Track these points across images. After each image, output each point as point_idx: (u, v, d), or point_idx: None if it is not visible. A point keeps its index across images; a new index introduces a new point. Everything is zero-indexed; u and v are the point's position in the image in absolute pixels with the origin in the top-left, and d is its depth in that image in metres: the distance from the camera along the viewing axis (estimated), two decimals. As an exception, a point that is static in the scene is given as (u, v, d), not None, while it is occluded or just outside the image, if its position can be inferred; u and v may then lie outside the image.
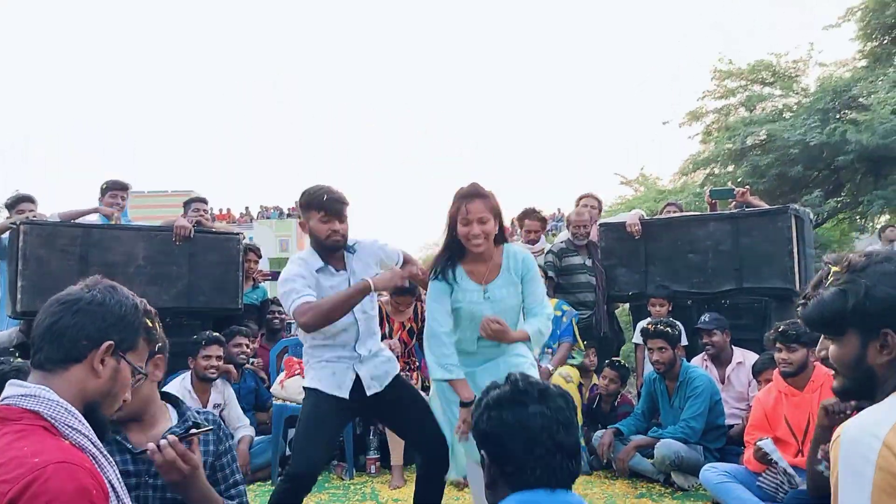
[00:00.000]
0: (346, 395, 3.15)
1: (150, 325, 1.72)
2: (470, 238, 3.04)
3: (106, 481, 1.38)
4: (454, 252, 3.16)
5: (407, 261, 3.45)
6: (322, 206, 3.16)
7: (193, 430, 1.95)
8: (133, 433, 2.00)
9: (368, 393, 3.19)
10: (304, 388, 3.27)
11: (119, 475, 1.46)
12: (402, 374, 4.08)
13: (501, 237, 3.18)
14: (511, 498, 1.46)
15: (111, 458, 1.46)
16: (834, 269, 1.47)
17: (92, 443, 1.41)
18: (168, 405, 2.11)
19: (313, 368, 3.26)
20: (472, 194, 3.07)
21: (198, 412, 2.13)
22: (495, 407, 1.52)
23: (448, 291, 3.13)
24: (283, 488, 3.03)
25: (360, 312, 3.21)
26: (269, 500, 3.05)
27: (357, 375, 3.19)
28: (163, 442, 1.82)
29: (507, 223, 3.35)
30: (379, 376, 3.25)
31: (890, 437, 1.24)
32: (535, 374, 3.21)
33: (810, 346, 3.55)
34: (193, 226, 5.38)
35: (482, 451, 1.55)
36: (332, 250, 3.22)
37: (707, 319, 4.94)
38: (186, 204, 6.04)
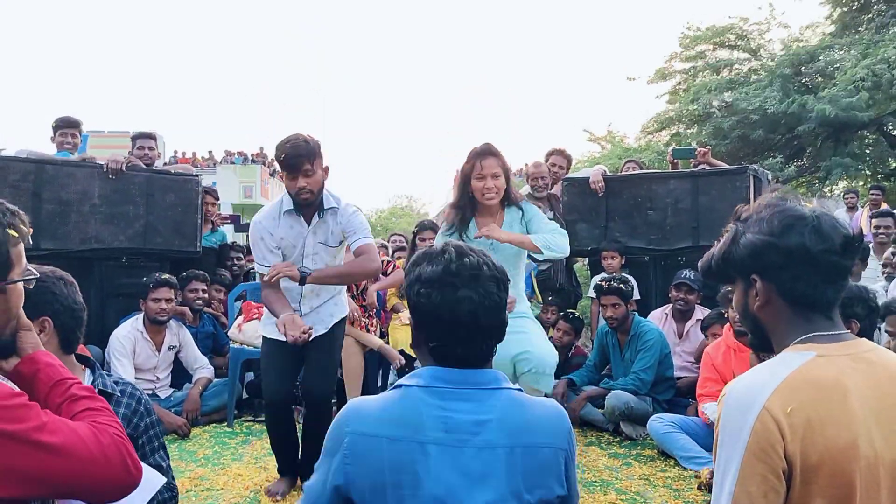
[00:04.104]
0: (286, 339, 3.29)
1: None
2: (484, 192, 3.34)
3: None
4: (467, 207, 3.43)
5: (360, 252, 3.38)
6: (282, 165, 3.23)
7: None
8: None
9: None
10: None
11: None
12: (354, 324, 4.37)
13: (508, 197, 3.45)
14: (427, 371, 1.52)
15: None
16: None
17: None
18: (86, 369, 2.07)
19: (266, 314, 3.52)
20: (486, 152, 3.34)
21: (116, 382, 2.10)
22: (426, 283, 1.50)
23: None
24: (267, 418, 3.55)
25: (307, 291, 3.42)
26: (268, 432, 3.55)
27: None
28: None
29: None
30: (322, 321, 3.46)
31: (771, 400, 1.25)
32: (535, 328, 3.51)
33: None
34: (147, 164, 5.25)
35: (412, 316, 1.57)
36: (305, 206, 3.29)
37: (692, 277, 5.01)
38: (133, 139, 5.81)
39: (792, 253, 1.32)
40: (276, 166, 3.46)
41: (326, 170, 3.31)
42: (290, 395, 3.56)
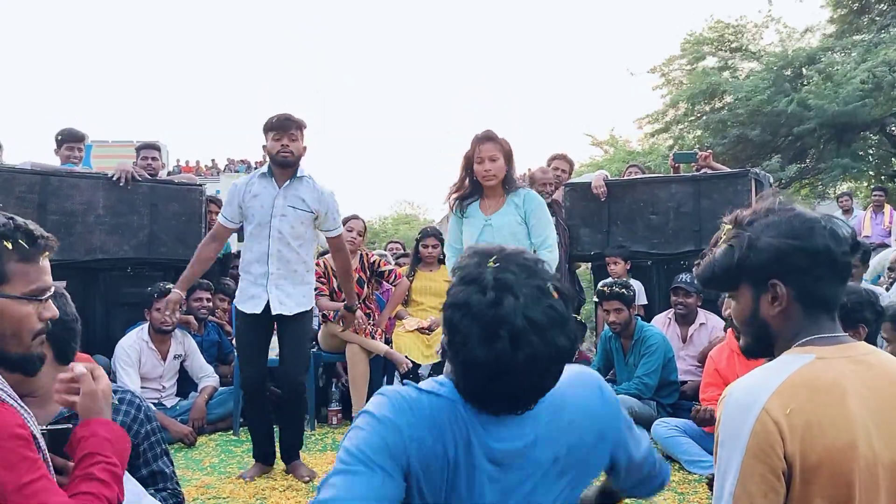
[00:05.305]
0: (259, 311, 3.68)
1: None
2: (483, 174, 3.59)
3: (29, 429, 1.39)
4: (471, 188, 3.69)
5: (336, 246, 3.92)
6: (272, 126, 3.68)
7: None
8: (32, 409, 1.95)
9: (274, 312, 3.68)
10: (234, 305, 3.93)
11: (37, 425, 1.47)
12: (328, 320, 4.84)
13: (512, 180, 3.68)
14: (458, 395, 1.30)
15: (29, 411, 1.46)
16: (727, 226, 1.45)
17: (9, 395, 1.42)
18: None
19: (241, 281, 3.84)
20: (485, 138, 3.62)
21: (114, 391, 2.00)
22: (465, 341, 1.22)
23: (458, 224, 3.74)
24: (244, 399, 3.93)
25: (274, 251, 3.68)
26: (243, 413, 3.93)
27: (269, 298, 3.70)
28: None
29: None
30: (287, 303, 3.72)
31: (771, 402, 1.26)
32: None
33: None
34: (151, 175, 5.28)
35: (444, 340, 1.31)
36: (282, 166, 3.70)
37: (688, 280, 4.99)
38: (138, 150, 5.82)
39: (818, 255, 1.33)
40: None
41: (305, 148, 3.77)
42: (264, 373, 3.83)
